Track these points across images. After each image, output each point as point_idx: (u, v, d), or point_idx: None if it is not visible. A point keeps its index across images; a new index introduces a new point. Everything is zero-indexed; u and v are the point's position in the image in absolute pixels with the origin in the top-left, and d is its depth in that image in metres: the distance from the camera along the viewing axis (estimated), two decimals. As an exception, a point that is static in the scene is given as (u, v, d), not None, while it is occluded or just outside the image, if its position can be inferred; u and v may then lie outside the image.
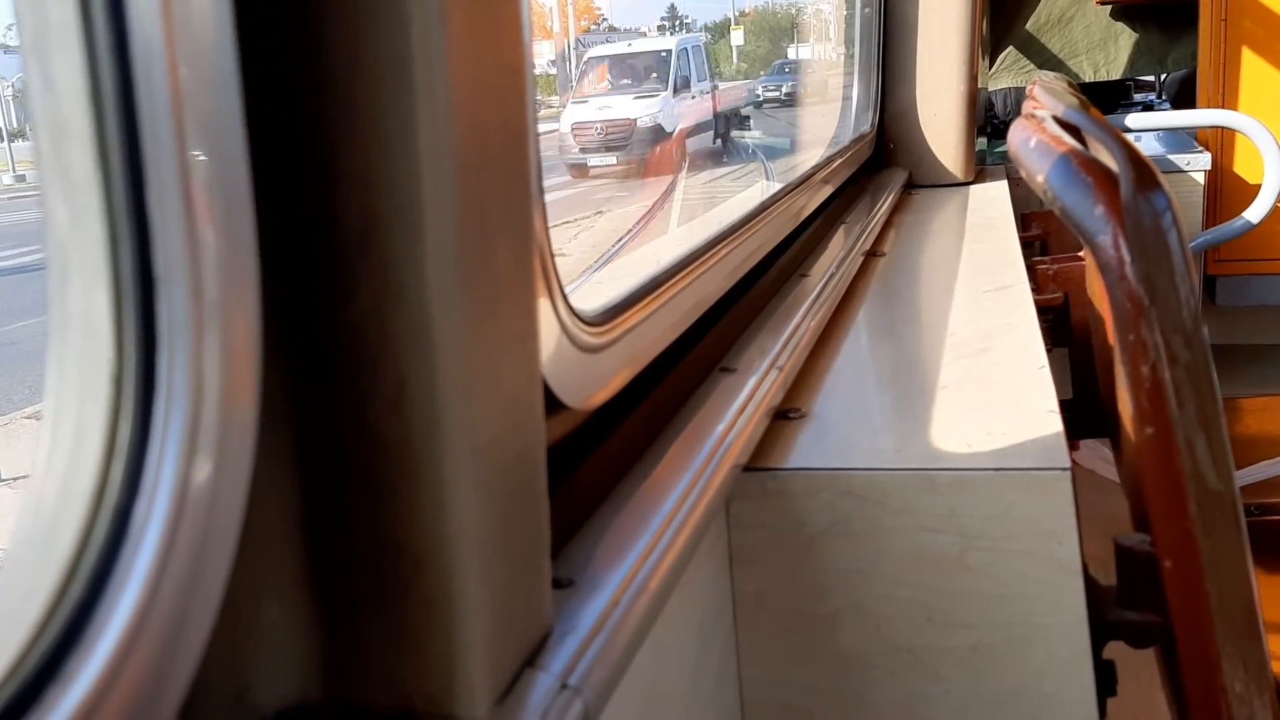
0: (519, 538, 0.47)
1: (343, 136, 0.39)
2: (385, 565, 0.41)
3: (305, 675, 0.41)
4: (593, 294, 0.71)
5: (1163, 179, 0.68)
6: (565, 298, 0.62)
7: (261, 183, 0.36)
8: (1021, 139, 0.85)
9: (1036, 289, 1.65)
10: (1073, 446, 2.56)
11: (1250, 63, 2.98)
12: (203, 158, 0.32)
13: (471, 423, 0.42)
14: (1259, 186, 2.76)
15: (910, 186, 2.29)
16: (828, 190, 1.78)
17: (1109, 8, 3.49)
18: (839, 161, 1.88)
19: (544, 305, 0.59)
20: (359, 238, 0.39)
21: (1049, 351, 1.63)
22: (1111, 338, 0.74)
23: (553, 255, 0.60)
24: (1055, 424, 0.84)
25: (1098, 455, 2.39)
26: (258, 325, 0.35)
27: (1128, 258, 0.67)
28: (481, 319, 0.43)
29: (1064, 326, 1.67)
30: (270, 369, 0.38)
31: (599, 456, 0.68)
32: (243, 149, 0.34)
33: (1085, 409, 1.60)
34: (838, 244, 1.56)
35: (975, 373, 1.01)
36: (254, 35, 0.36)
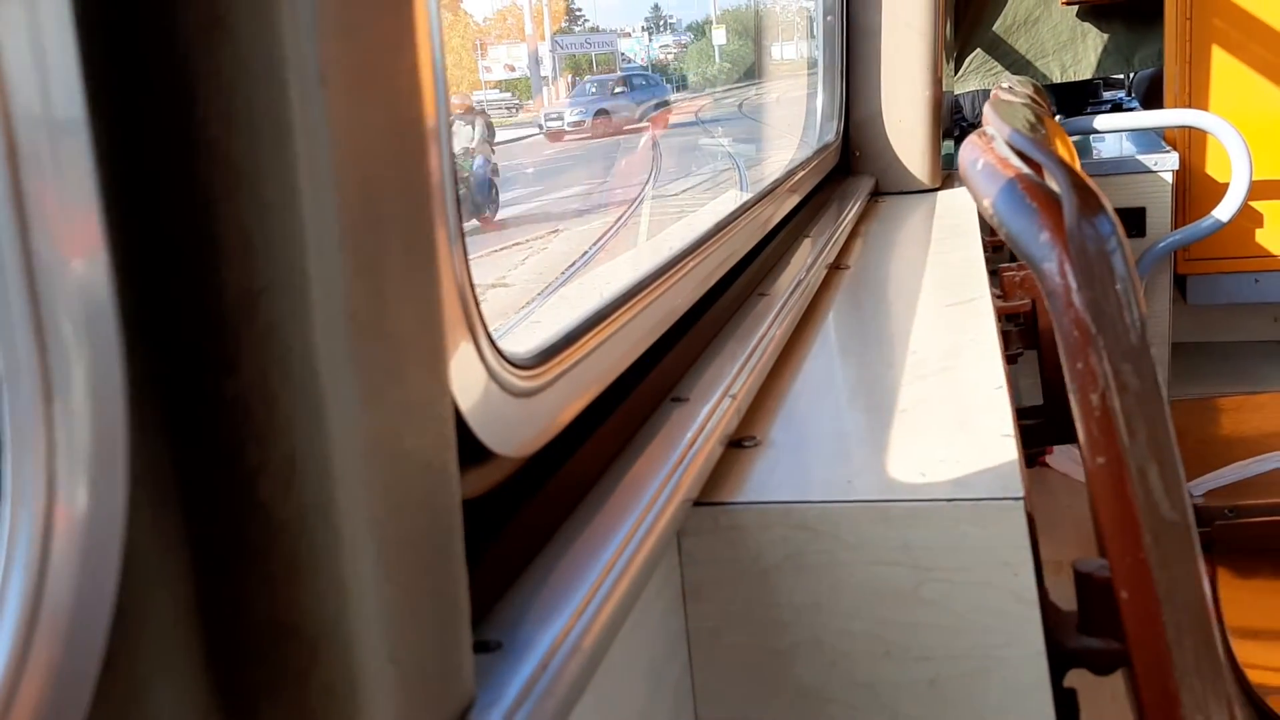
0: (431, 609, 0.44)
1: (220, 200, 0.36)
2: (281, 650, 0.39)
3: None
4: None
5: (1107, 203, 0.66)
6: (493, 342, 0.60)
7: (128, 251, 0.34)
8: (970, 159, 0.84)
9: (1004, 296, 1.63)
10: (1046, 450, 2.55)
11: (1219, 60, 2.98)
12: (51, 240, 0.30)
13: (369, 497, 0.40)
14: (1227, 185, 2.76)
15: (877, 194, 2.27)
16: (793, 200, 1.76)
17: (1075, 8, 3.49)
18: (803, 172, 1.86)
19: (468, 352, 0.57)
20: (241, 307, 0.37)
21: (1020, 355, 1.61)
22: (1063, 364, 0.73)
23: (477, 300, 0.57)
24: (1010, 451, 0.82)
25: (1070, 458, 2.38)
26: (123, 409, 0.33)
27: (1074, 284, 0.66)
28: (379, 386, 0.41)
29: (1033, 332, 1.66)
30: (151, 451, 0.36)
31: (536, 502, 0.66)
32: (98, 217, 0.32)
33: (1057, 414, 1.58)
34: (801, 258, 1.54)
35: (933, 394, 0.99)
36: (117, 92, 0.34)
